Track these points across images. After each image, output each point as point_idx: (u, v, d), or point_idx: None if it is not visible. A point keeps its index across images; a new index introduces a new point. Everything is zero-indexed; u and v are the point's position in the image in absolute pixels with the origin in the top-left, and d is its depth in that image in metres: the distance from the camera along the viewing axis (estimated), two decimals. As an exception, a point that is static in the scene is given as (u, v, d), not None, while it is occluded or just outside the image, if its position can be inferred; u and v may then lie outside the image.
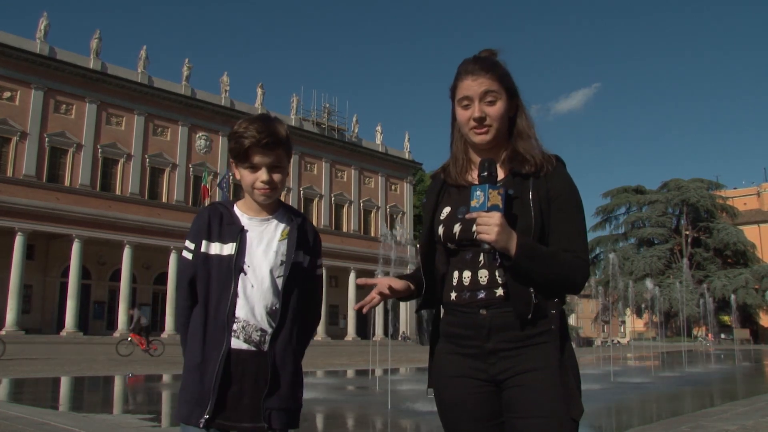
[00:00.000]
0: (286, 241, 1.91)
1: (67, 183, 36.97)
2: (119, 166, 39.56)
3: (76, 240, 35.40)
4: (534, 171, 1.75)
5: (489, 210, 1.64)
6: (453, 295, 1.79)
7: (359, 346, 38.42)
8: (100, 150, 38.51)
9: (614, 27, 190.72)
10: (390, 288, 1.86)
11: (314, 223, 53.59)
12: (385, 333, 45.53)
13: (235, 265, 1.83)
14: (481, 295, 1.74)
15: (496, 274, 1.72)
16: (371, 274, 46.88)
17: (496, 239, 1.62)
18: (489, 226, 1.63)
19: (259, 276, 1.86)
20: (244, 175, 1.89)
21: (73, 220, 35.45)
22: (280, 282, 1.87)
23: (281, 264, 1.88)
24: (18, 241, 33.49)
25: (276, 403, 1.83)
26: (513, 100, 1.81)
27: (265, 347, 1.84)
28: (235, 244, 1.85)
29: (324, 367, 18.09)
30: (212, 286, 1.84)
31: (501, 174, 1.78)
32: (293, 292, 1.89)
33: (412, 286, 1.90)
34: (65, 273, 36.49)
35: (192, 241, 1.88)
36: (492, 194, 1.65)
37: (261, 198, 1.89)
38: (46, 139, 36.28)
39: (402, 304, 50.73)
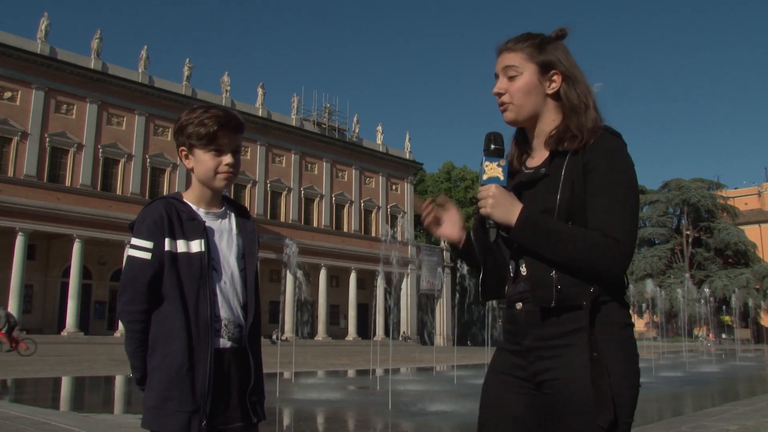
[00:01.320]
0: (241, 233, 1.89)
1: (67, 183, 36.94)
2: (120, 166, 39.55)
3: (77, 240, 35.37)
4: (576, 147, 1.57)
5: (485, 182, 1.59)
6: (507, 287, 1.69)
7: (360, 346, 38.36)
8: (100, 150, 38.50)
9: (614, 27, 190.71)
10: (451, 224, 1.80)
11: (315, 223, 53.18)
12: (386, 333, 45.47)
13: (208, 263, 1.78)
14: (520, 287, 1.62)
15: None
16: (372, 274, 46.93)
17: (490, 211, 1.56)
18: (485, 198, 1.57)
19: (229, 272, 1.83)
20: (204, 160, 1.81)
21: (73, 220, 35.43)
22: (243, 275, 1.86)
23: (242, 257, 1.87)
24: (19, 241, 33.47)
25: (257, 395, 1.84)
26: (548, 74, 1.66)
27: (244, 342, 1.83)
28: (202, 241, 1.78)
29: (325, 366, 18.08)
30: (185, 286, 1.75)
31: (546, 153, 1.65)
32: (255, 284, 1.89)
33: (463, 240, 1.80)
34: (66, 273, 36.46)
35: (147, 239, 1.76)
36: (489, 166, 1.59)
37: (222, 183, 1.83)
38: (47, 139, 36.27)
39: (403, 304, 50.69)
